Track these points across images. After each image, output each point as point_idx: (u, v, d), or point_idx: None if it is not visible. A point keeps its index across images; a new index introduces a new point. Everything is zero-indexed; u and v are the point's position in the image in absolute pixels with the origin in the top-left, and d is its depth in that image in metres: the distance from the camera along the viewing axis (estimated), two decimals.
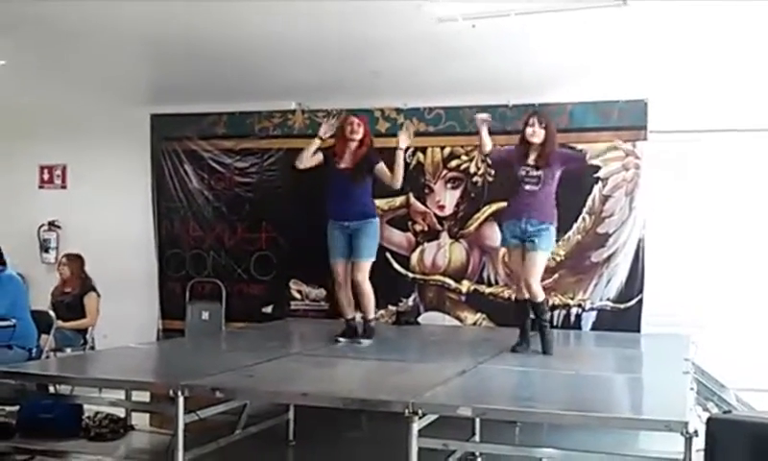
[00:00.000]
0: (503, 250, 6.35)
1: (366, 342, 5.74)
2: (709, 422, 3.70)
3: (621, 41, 5.61)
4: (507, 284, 6.92)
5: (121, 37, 5.74)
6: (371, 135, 5.88)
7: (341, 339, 5.76)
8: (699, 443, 3.43)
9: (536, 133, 5.26)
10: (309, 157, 5.79)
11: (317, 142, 5.82)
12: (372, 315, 5.90)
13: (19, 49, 6.09)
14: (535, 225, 5.25)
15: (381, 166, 5.77)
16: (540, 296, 5.31)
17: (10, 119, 8.27)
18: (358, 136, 5.73)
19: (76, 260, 7.37)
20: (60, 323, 6.72)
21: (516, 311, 5.55)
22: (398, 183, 5.85)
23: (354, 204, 5.74)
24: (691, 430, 3.30)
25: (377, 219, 5.89)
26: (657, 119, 6.55)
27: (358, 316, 5.97)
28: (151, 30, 5.66)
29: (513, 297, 6.80)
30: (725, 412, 4.79)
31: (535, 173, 5.25)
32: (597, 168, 6.73)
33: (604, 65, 6.19)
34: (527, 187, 5.27)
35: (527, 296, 5.32)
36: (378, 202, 7.23)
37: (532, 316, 5.39)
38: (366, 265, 5.75)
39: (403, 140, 5.82)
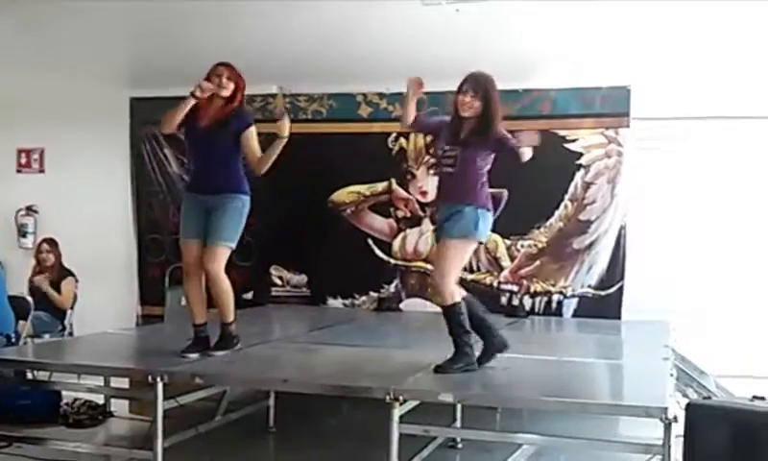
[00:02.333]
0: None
1: (219, 354, 4.49)
2: (689, 407, 3.73)
3: (604, 28, 5.61)
4: (489, 271, 6.92)
5: (100, 18, 5.67)
6: (244, 92, 4.62)
7: (188, 355, 4.42)
8: (678, 428, 3.46)
9: (466, 105, 4.16)
10: (178, 119, 4.50)
11: (191, 101, 4.46)
12: (230, 318, 4.57)
13: None
14: (448, 208, 4.17)
15: (251, 132, 4.52)
16: (450, 297, 4.13)
17: None
18: (227, 92, 4.49)
19: (57, 246, 7.30)
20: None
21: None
22: (262, 170, 4.55)
23: (215, 173, 4.51)
24: (671, 416, 3.32)
25: (246, 197, 4.55)
26: (639, 106, 6.56)
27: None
28: (130, 11, 5.59)
29: (493, 283, 6.91)
30: (704, 398, 4.81)
31: (451, 152, 4.17)
32: (579, 155, 6.73)
33: (587, 52, 6.19)
34: (444, 169, 4.24)
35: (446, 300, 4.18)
36: (360, 187, 7.27)
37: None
38: (222, 252, 4.48)
39: (285, 129, 4.51)
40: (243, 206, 4.54)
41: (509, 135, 4.22)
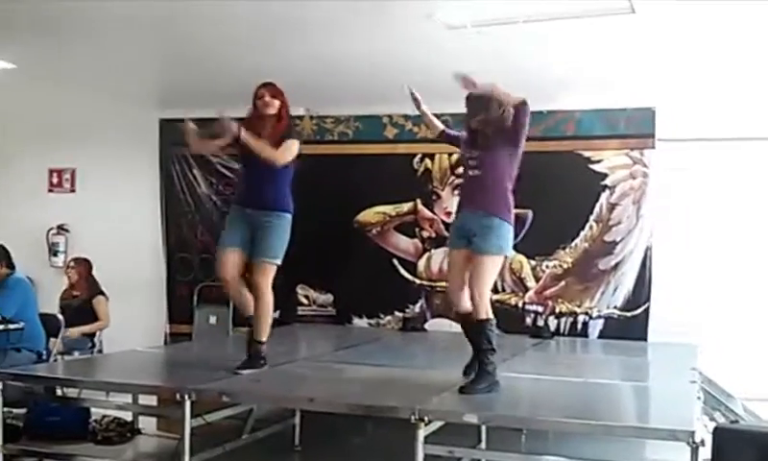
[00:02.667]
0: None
1: (246, 372, 4.54)
2: (716, 431, 3.70)
3: (629, 49, 5.61)
4: (514, 291, 6.92)
5: (131, 42, 5.77)
6: (289, 107, 4.73)
7: (241, 371, 4.55)
8: (705, 453, 3.42)
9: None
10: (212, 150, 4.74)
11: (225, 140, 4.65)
12: (263, 337, 4.64)
13: (29, 53, 6.13)
14: (478, 218, 4.21)
15: (291, 143, 4.58)
16: (484, 313, 4.18)
17: (20, 123, 8.33)
18: (273, 110, 4.63)
19: (83, 264, 7.41)
20: (73, 330, 6.80)
21: (463, 327, 4.44)
22: (279, 160, 4.54)
23: (264, 190, 4.61)
24: (698, 440, 3.30)
25: (290, 216, 4.69)
26: (664, 127, 6.56)
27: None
28: (161, 35, 5.69)
29: (518, 304, 6.90)
30: (732, 422, 4.78)
31: (475, 152, 4.27)
32: (605, 175, 6.73)
33: (612, 73, 6.19)
34: (470, 172, 4.31)
35: (461, 309, 4.33)
36: (385, 208, 7.32)
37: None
38: (270, 268, 4.61)
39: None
40: (288, 224, 4.66)
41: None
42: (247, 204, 4.67)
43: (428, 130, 4.75)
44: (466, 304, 4.29)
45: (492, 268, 4.23)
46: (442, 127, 4.73)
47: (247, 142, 4.53)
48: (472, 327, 4.26)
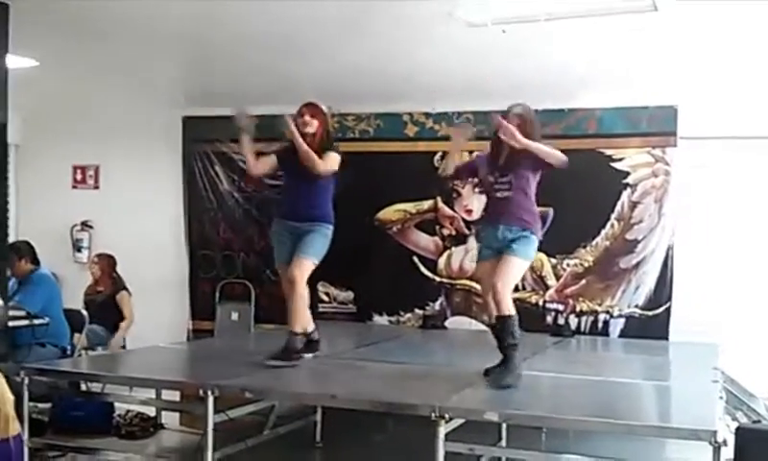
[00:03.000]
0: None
1: (276, 363, 4.70)
2: (738, 431, 3.69)
3: (651, 47, 5.58)
4: (534, 290, 6.91)
5: (154, 40, 5.82)
6: (326, 124, 5.00)
7: (301, 356, 4.84)
8: (728, 452, 3.42)
9: (505, 129, 4.40)
10: (254, 164, 5.05)
11: (247, 143, 5.02)
12: (298, 328, 4.85)
13: (53, 50, 6.20)
14: (514, 232, 4.45)
15: (333, 155, 4.89)
16: (508, 309, 4.35)
17: (44, 119, 8.40)
18: (311, 129, 4.87)
19: (107, 260, 7.49)
20: (115, 341, 7.00)
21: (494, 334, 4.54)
22: (319, 168, 4.81)
23: (309, 205, 4.91)
24: (720, 440, 3.29)
25: (332, 227, 4.98)
26: (687, 125, 6.52)
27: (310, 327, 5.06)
28: (185, 33, 5.74)
29: (539, 302, 6.90)
30: (754, 422, 4.75)
31: (504, 178, 4.49)
32: (626, 174, 6.70)
33: (634, 71, 6.16)
34: (498, 194, 4.52)
35: (494, 309, 4.42)
36: (406, 205, 7.34)
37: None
38: (307, 264, 4.82)
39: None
40: (329, 234, 4.96)
41: (542, 148, 4.42)
42: (290, 217, 4.95)
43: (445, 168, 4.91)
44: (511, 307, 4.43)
45: (518, 270, 4.54)
46: (453, 169, 4.89)
47: (293, 138, 4.79)
48: (497, 321, 4.40)
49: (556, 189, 5.98)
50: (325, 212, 4.96)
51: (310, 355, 5.00)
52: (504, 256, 4.42)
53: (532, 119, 4.57)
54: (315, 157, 4.78)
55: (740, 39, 5.34)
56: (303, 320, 4.90)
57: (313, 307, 7.41)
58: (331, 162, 4.87)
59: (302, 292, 4.85)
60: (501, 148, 4.51)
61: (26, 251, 6.25)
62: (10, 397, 3.22)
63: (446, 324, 7.20)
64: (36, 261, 6.29)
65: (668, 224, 6.62)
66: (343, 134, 7.25)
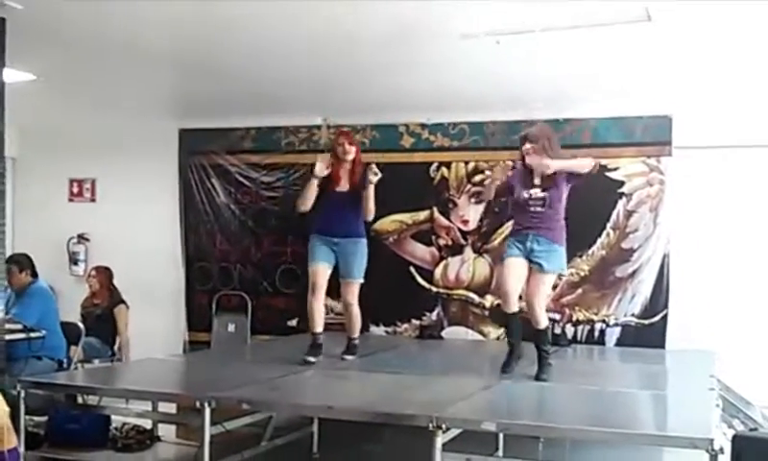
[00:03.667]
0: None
1: (350, 358, 5.60)
2: (735, 439, 3.69)
3: (646, 57, 5.61)
4: None
5: (150, 53, 5.84)
6: (359, 149, 5.67)
7: (311, 359, 5.37)
8: (724, 460, 3.42)
9: (529, 154, 4.90)
10: (311, 198, 5.51)
11: (314, 182, 5.48)
12: (356, 335, 5.72)
13: (50, 64, 6.21)
14: (543, 244, 4.88)
15: (370, 191, 5.45)
16: (544, 322, 4.94)
17: (41, 133, 8.42)
18: (351, 156, 5.52)
19: (104, 272, 7.50)
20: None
21: (508, 326, 5.21)
22: (371, 216, 5.59)
23: (346, 224, 5.53)
24: (717, 447, 3.30)
25: (365, 239, 5.63)
26: (681, 135, 6.55)
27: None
28: (179, 46, 5.75)
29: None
30: (751, 429, 4.75)
31: (540, 195, 4.90)
32: (621, 183, 6.72)
33: (628, 81, 6.19)
34: (532, 210, 4.92)
35: (514, 309, 4.95)
36: (402, 216, 7.36)
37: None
38: (356, 286, 5.58)
39: (373, 176, 5.39)
40: (365, 246, 5.60)
41: (572, 164, 4.94)
42: (328, 233, 5.52)
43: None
44: (515, 306, 4.94)
45: (550, 285, 5.14)
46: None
47: (368, 193, 5.44)
48: (535, 334, 4.95)
49: None
50: (361, 228, 5.58)
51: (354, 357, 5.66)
52: (537, 275, 4.88)
53: (550, 137, 4.98)
54: (371, 208, 5.48)
55: (734, 49, 5.37)
56: (357, 328, 5.70)
57: None
58: (372, 203, 5.50)
59: (357, 311, 5.64)
60: (532, 171, 4.92)
61: (26, 263, 6.27)
62: (5, 409, 3.22)
63: (443, 334, 7.20)
64: (34, 274, 6.31)
65: (663, 233, 6.64)
66: None
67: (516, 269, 4.92)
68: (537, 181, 4.93)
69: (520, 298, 5.03)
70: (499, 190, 5.44)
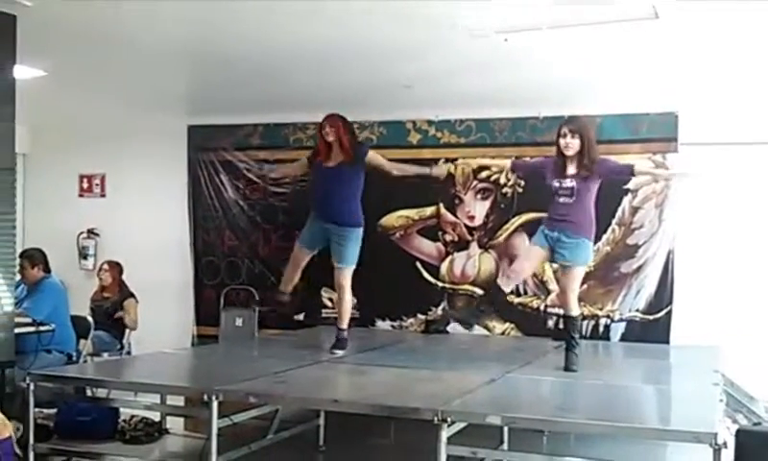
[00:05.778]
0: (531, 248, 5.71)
1: (339, 352, 5.63)
2: (739, 433, 3.72)
3: (652, 54, 5.62)
4: (536, 294, 6.95)
5: (160, 50, 5.87)
6: (348, 133, 5.77)
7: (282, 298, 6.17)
8: (728, 454, 3.44)
9: (569, 145, 5.02)
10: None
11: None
12: (345, 325, 5.76)
13: (60, 61, 6.26)
14: (570, 236, 5.05)
15: (372, 154, 5.84)
16: (575, 310, 5.18)
17: (51, 129, 8.48)
18: (330, 138, 5.67)
19: (116, 267, 7.57)
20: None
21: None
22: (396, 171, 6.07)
23: (339, 206, 5.68)
24: (720, 442, 3.32)
25: (361, 228, 5.77)
26: (687, 131, 6.55)
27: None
28: (189, 43, 5.79)
29: (540, 307, 6.95)
30: (754, 424, 4.78)
31: (568, 185, 5.05)
32: (627, 179, 6.73)
33: (634, 78, 6.20)
34: (561, 200, 5.07)
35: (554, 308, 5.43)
36: (408, 212, 7.38)
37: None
38: (349, 272, 5.73)
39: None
40: (359, 234, 5.71)
41: (611, 161, 5.30)
42: (325, 219, 5.69)
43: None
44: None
45: (580, 276, 5.25)
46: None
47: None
48: (565, 320, 5.25)
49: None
50: (356, 216, 5.70)
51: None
52: (566, 269, 5.15)
53: (592, 135, 5.16)
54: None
55: (741, 46, 5.37)
56: (347, 318, 5.77)
57: (317, 313, 7.57)
58: (378, 159, 5.84)
59: (349, 297, 5.75)
60: (566, 161, 5.03)
61: (38, 259, 6.35)
62: None
63: (448, 329, 7.23)
64: (47, 269, 6.38)
65: (669, 229, 6.64)
66: None
67: (536, 255, 5.35)
68: (571, 171, 5.04)
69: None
70: (528, 174, 5.95)
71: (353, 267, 5.74)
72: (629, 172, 5.73)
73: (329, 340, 5.88)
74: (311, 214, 5.87)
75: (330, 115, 5.75)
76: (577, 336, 5.16)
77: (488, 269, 7.17)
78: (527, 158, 6.35)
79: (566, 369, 5.02)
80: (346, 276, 5.71)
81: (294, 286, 6.11)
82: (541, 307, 6.94)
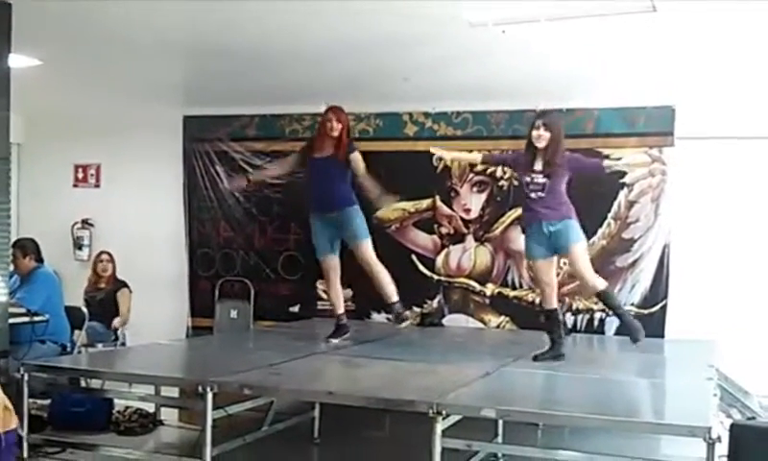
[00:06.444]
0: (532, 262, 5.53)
1: (403, 325, 5.78)
2: (733, 428, 3.72)
3: (649, 48, 5.61)
4: (531, 288, 6.95)
5: (156, 41, 5.85)
6: (348, 128, 5.77)
7: (333, 339, 5.72)
8: (722, 449, 3.44)
9: (541, 137, 5.02)
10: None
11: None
12: (395, 297, 5.74)
13: (56, 50, 6.23)
14: (555, 224, 5.04)
15: (356, 155, 5.65)
16: (600, 285, 5.24)
17: (46, 119, 8.44)
18: (336, 133, 5.59)
19: (112, 258, 7.55)
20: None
21: (547, 322, 5.33)
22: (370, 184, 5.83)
23: (336, 192, 5.65)
24: (714, 436, 3.32)
25: (357, 205, 5.75)
26: (684, 125, 6.55)
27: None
28: (185, 34, 5.76)
29: (535, 300, 6.92)
30: (748, 418, 4.79)
31: (540, 180, 5.04)
32: (623, 173, 6.73)
33: (632, 71, 6.19)
34: (533, 195, 5.07)
35: (554, 306, 5.22)
36: (404, 204, 7.38)
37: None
38: (368, 244, 5.68)
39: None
40: (359, 210, 5.70)
41: (579, 155, 5.36)
42: (326, 209, 5.67)
43: None
44: (555, 303, 5.23)
45: (584, 253, 5.20)
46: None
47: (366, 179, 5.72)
48: (602, 299, 5.40)
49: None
50: (350, 195, 5.67)
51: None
52: (568, 254, 5.13)
53: (561, 131, 5.14)
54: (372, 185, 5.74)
55: (738, 40, 5.37)
56: (392, 288, 5.72)
57: (312, 305, 7.56)
58: (359, 164, 5.65)
59: (381, 267, 5.66)
60: (536, 154, 5.03)
61: (30, 249, 6.31)
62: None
63: (444, 321, 7.23)
64: (40, 259, 6.34)
65: (665, 223, 6.65)
66: None
67: (551, 267, 5.20)
68: (538, 166, 5.03)
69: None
70: (487, 158, 5.89)
71: (369, 239, 5.70)
72: (598, 168, 5.63)
73: (325, 332, 5.88)
74: (311, 218, 5.80)
75: (336, 108, 5.68)
76: (620, 304, 5.51)
77: (483, 262, 7.18)
78: (496, 152, 6.47)
79: (635, 340, 5.18)
80: (366, 249, 5.66)
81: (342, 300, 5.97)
82: (536, 301, 6.93)
